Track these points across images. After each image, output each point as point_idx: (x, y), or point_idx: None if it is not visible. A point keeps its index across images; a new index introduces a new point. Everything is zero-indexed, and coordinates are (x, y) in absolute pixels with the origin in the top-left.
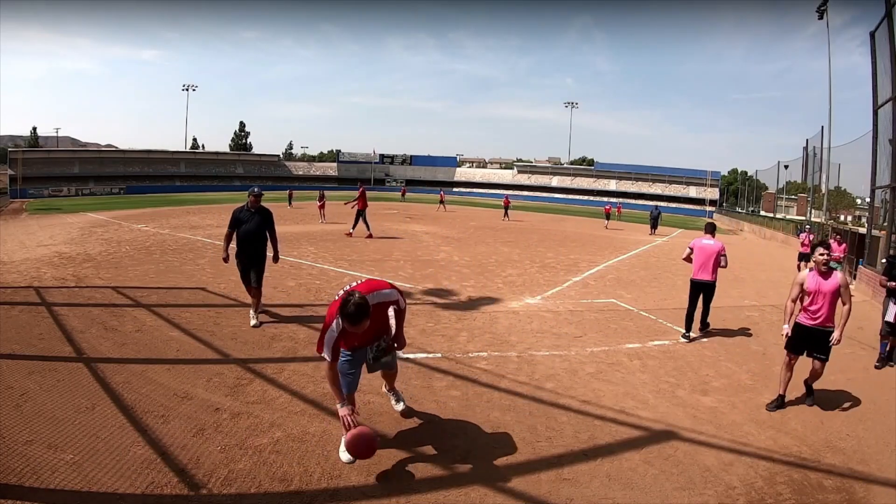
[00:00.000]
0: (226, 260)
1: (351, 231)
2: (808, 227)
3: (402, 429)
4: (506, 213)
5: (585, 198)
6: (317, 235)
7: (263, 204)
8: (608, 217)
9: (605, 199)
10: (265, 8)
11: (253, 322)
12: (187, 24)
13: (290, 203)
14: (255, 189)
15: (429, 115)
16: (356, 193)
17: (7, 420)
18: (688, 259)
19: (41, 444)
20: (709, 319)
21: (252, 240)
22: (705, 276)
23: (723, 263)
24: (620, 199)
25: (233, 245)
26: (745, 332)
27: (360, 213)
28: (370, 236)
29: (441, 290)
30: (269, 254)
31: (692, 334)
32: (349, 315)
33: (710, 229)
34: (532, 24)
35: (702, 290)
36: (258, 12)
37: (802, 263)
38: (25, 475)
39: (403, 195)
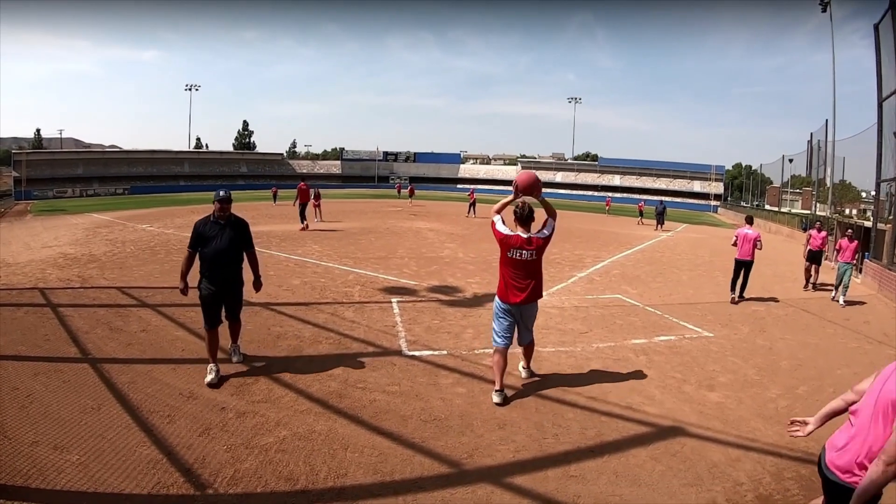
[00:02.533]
0: (184, 292)
1: (303, 225)
2: (818, 222)
3: (409, 426)
4: (472, 209)
5: (590, 193)
6: (320, 234)
7: (241, 212)
8: (641, 214)
9: (604, 193)
10: (263, 8)
11: (235, 358)
12: (186, 24)
13: (274, 200)
14: (221, 192)
15: (432, 113)
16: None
17: (13, 421)
18: (734, 244)
19: (47, 445)
20: (713, 315)
21: (224, 262)
22: (745, 256)
23: (759, 247)
24: (625, 195)
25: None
26: (750, 326)
27: (303, 207)
28: (304, 228)
29: (446, 287)
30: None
31: (735, 297)
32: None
33: (750, 221)
34: (532, 21)
35: (743, 266)
36: (257, 12)
37: (812, 266)
38: (32, 476)
39: (399, 192)
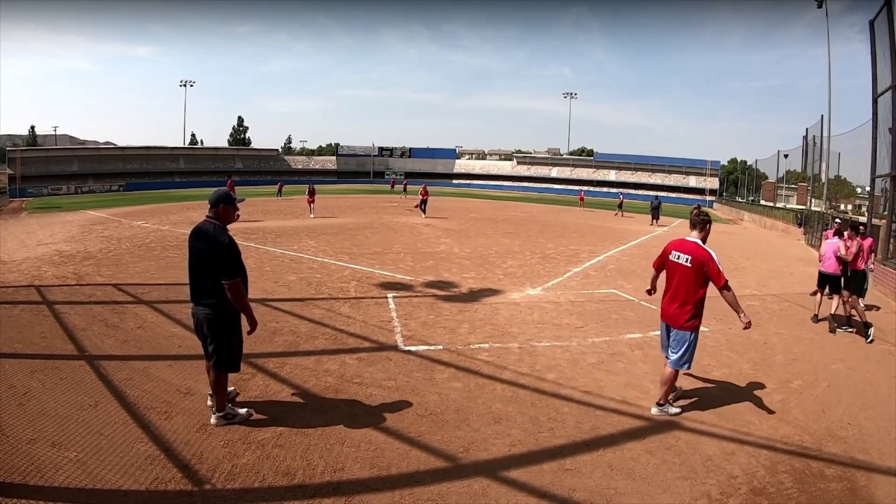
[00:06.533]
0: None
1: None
2: (837, 220)
3: (405, 421)
4: (422, 207)
5: (585, 188)
6: (316, 229)
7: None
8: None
9: (577, 187)
10: (256, 1)
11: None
12: (179, 19)
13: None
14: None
15: (427, 107)
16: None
17: (10, 419)
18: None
19: (45, 443)
20: (707, 310)
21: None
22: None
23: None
24: (620, 190)
25: None
26: None
27: None
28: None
29: (442, 282)
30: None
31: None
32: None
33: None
34: (527, 14)
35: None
36: (249, 6)
37: (832, 296)
38: (30, 473)
39: (392, 187)
